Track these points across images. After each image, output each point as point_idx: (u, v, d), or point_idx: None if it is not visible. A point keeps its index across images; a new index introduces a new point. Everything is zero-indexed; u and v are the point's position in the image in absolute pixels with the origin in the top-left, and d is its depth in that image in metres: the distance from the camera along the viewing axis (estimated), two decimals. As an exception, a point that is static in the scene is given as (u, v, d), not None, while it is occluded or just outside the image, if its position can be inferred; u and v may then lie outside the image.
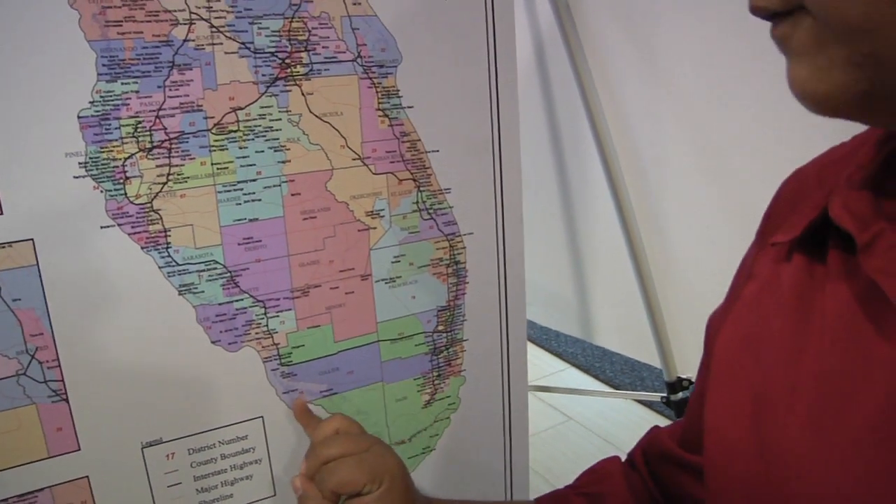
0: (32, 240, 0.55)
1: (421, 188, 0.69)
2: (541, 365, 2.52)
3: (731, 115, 1.09)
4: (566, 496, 0.63)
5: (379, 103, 0.66)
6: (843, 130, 0.41)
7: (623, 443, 1.89)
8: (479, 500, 0.81)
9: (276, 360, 0.66)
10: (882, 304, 0.32)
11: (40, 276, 0.56)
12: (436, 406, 0.76)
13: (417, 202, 0.70)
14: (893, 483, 0.30)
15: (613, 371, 2.39)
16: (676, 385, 1.46)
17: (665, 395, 1.47)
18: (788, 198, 0.46)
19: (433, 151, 0.69)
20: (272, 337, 0.65)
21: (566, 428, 2.08)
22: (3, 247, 0.54)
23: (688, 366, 1.40)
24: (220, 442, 0.65)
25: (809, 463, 0.34)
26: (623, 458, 0.64)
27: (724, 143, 1.13)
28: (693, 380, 1.26)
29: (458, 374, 0.76)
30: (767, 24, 0.33)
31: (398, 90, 0.66)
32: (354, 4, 0.63)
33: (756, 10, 0.32)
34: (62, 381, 0.57)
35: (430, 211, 0.70)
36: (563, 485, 0.64)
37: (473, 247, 0.74)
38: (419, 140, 0.68)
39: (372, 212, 0.67)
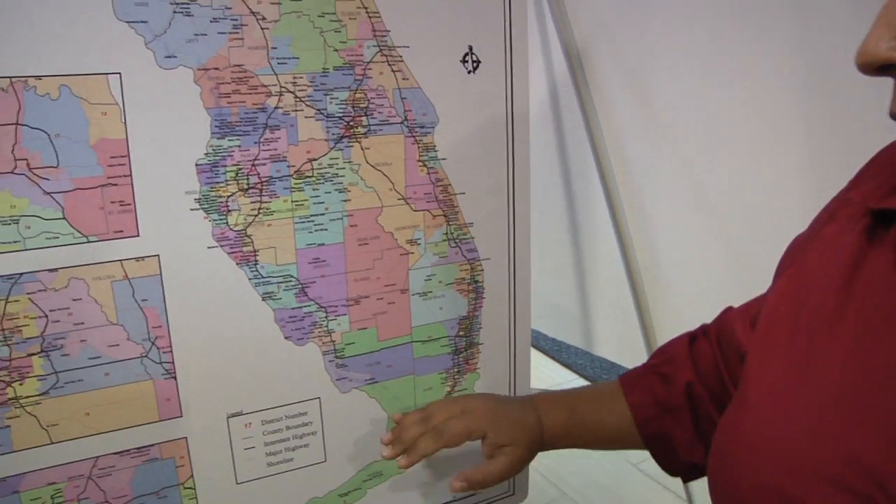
0: (158, 255, 0.71)
1: (450, 222, 0.87)
2: (551, 375, 2.63)
3: (719, 157, 1.24)
4: (644, 375, 0.73)
5: (419, 156, 0.83)
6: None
7: (631, 454, 2.02)
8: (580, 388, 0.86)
9: (332, 353, 0.83)
10: None
11: (162, 283, 0.72)
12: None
13: (447, 233, 0.87)
14: None
15: (619, 382, 2.51)
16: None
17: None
18: (883, 162, 0.49)
19: (460, 193, 0.86)
20: (331, 335, 0.82)
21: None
22: (138, 260, 0.71)
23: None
24: (285, 416, 0.82)
25: (849, 389, 0.40)
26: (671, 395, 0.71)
27: (712, 181, 1.28)
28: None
29: (474, 371, 0.93)
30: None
31: (435, 145, 0.83)
32: (404, 79, 0.80)
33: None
34: (173, 363, 0.74)
35: (457, 241, 0.88)
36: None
37: (490, 269, 0.91)
38: (450, 184, 0.85)
39: (411, 240, 0.85)
